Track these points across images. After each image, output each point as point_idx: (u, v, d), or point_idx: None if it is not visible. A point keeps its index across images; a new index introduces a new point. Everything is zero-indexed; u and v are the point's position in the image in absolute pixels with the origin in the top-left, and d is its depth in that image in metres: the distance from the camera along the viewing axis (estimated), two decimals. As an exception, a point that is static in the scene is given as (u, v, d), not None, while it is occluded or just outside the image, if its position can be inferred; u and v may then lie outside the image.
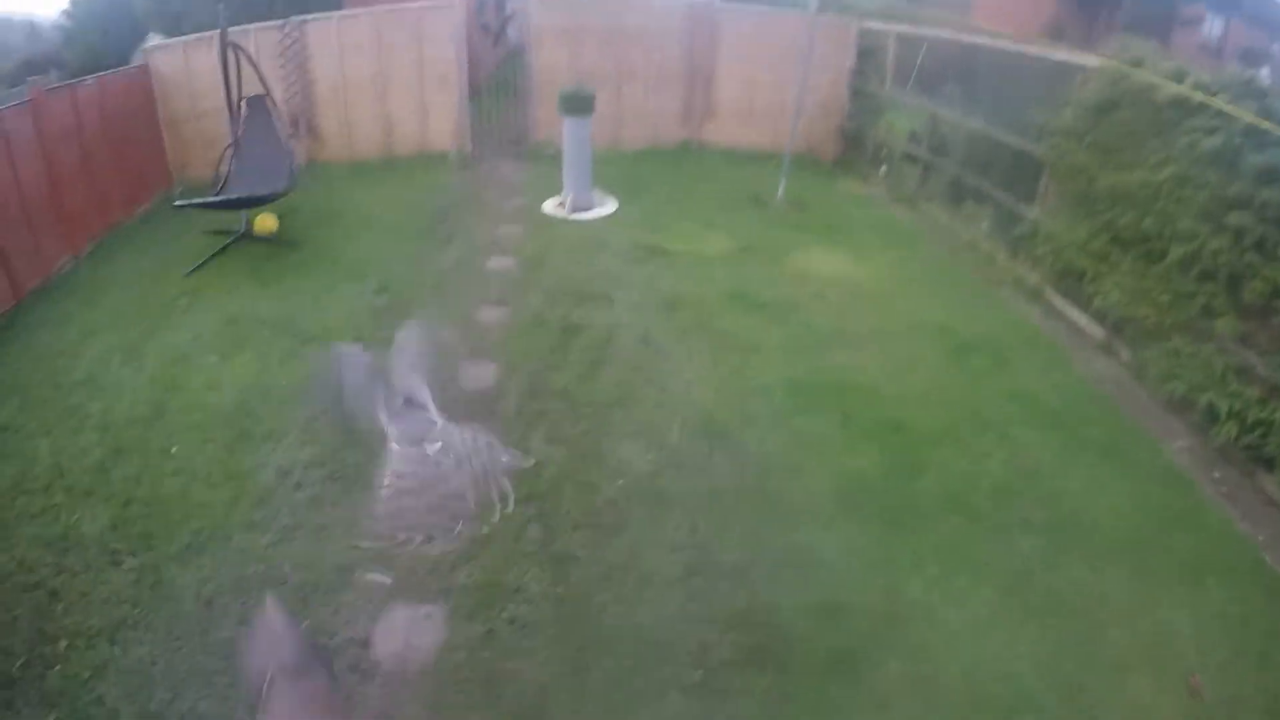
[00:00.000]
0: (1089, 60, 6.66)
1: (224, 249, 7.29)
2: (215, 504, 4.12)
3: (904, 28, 10.17)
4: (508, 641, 3.44)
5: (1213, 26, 23.61)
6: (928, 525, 4.16)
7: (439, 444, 3.96)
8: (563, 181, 8.57)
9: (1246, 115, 5.08)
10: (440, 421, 4.04)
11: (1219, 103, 5.27)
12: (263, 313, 6.08)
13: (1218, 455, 4.92)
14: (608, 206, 8.64)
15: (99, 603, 3.57)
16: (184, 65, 9.10)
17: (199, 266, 6.97)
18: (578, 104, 8.21)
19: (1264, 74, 11.16)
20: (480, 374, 5.31)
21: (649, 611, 3.60)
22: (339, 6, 11.41)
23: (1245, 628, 3.64)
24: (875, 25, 10.60)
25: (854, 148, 10.84)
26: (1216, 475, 4.77)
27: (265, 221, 7.54)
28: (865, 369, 5.56)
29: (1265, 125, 4.93)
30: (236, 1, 11.06)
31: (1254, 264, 4.98)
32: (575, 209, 8.46)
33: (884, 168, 10.10)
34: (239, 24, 8.53)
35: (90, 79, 7.90)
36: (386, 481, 3.89)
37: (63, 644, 3.36)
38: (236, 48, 7.52)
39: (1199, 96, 5.41)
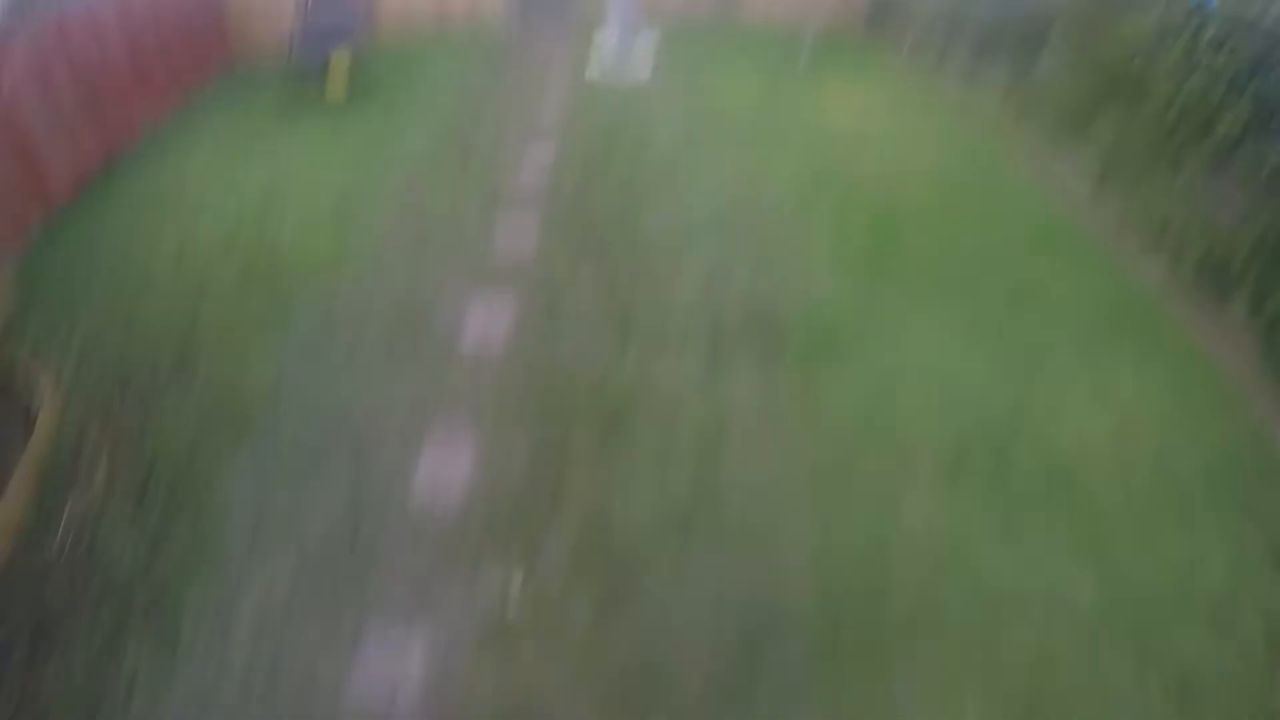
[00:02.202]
0: None
1: (304, 100, 8.04)
2: (328, 256, 5.09)
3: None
4: (567, 320, 4.51)
5: None
6: (899, 275, 4.93)
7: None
8: (605, 40, 9.10)
9: None
10: None
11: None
12: (346, 144, 6.90)
13: (1185, 287, 5.29)
14: (645, 60, 9.15)
15: (236, 322, 4.53)
16: None
17: (286, 114, 7.76)
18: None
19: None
20: (537, 173, 6.18)
21: (677, 299, 4.61)
22: None
23: (1171, 387, 4.21)
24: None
25: (878, 21, 11.00)
26: (1188, 301, 5.09)
27: (337, 74, 8.21)
28: (864, 181, 6.21)
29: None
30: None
31: (1226, 101, 5.40)
32: (616, 60, 9.00)
33: (906, 40, 10.37)
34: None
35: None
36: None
37: (206, 350, 4.33)
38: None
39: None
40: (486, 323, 4.44)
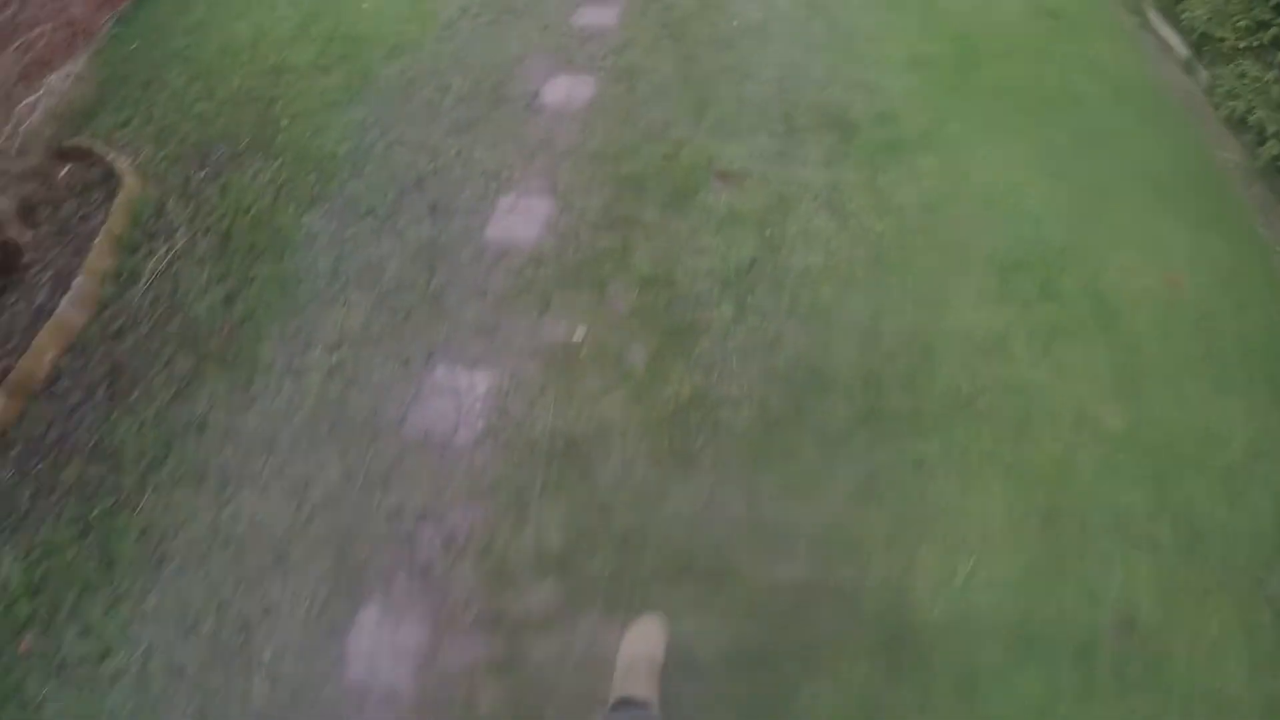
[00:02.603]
0: None
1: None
2: (407, 32, 4.94)
3: None
4: (644, 96, 4.33)
5: None
6: (972, 93, 4.52)
7: None
8: None
9: None
10: None
11: None
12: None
13: (1258, 174, 4.76)
14: None
15: (315, 95, 4.49)
16: None
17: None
18: None
19: None
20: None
21: (752, 89, 4.37)
22: None
23: (1225, 264, 3.78)
24: None
25: None
26: (1253, 189, 4.64)
27: None
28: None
29: None
30: None
31: None
32: None
33: None
34: None
35: None
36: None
37: (284, 122, 4.31)
38: None
39: None
40: (567, 94, 4.33)
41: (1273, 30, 5.09)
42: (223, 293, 3.43)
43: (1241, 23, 5.28)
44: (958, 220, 3.70)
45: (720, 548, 2.48)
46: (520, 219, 3.57)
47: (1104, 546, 2.56)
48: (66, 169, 4.03)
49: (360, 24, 5.13)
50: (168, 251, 3.66)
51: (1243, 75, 5.19)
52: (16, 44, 4.19)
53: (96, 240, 3.60)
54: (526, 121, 4.18)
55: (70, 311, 3.33)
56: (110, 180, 3.95)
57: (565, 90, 4.35)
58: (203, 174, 4.08)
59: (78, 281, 3.40)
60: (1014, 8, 5.55)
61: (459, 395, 2.87)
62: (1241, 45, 5.27)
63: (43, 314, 3.28)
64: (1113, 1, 6.12)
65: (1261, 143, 4.82)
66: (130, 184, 3.92)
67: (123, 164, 4.02)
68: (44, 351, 3.17)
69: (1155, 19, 6.05)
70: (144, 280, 3.52)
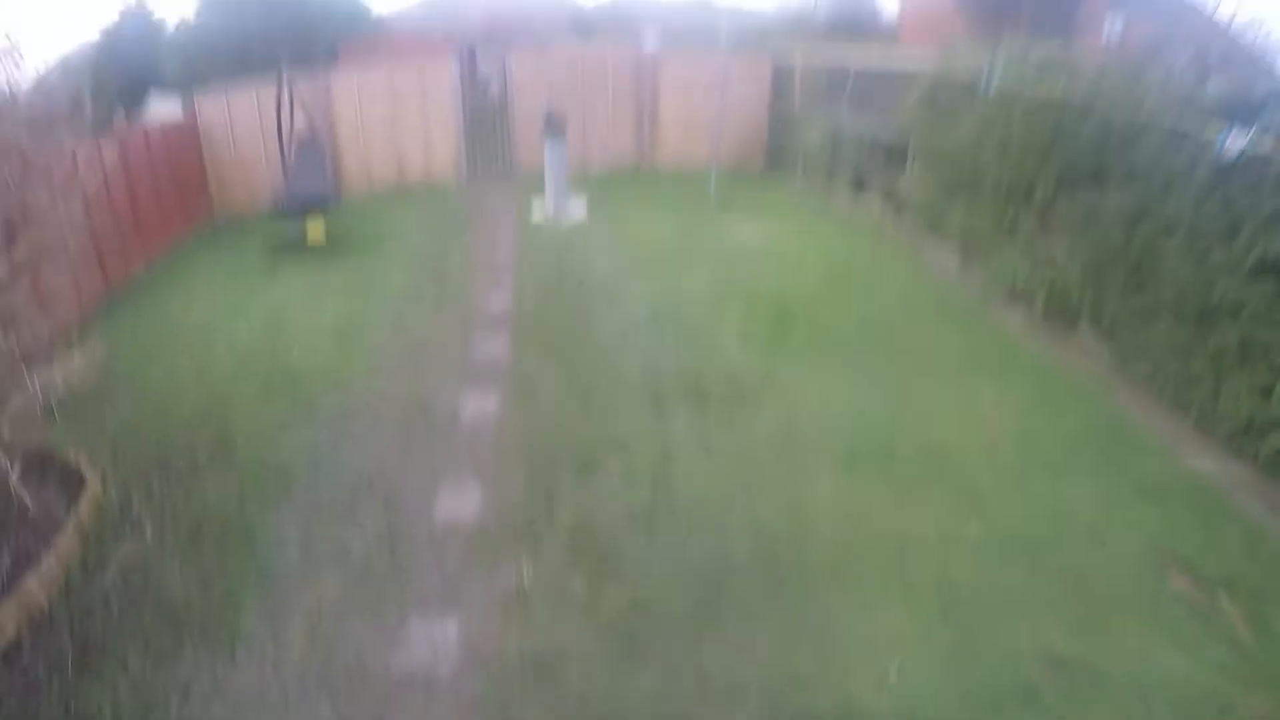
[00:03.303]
0: (926, 66, 8.69)
1: (289, 248, 8.93)
2: (338, 369, 5.86)
3: (804, 58, 12.22)
4: (541, 399, 5.43)
5: (1114, 25, 25.10)
6: (796, 346, 6.10)
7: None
8: (546, 192, 10.33)
9: (1024, 85, 7.04)
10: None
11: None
12: (334, 282, 7.78)
13: (1042, 321, 6.68)
14: (580, 209, 10.42)
15: (264, 419, 5.20)
16: (225, 113, 10.69)
17: (275, 258, 8.62)
18: (556, 126, 10.11)
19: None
20: (502, 300, 7.13)
21: (623, 380, 5.63)
22: (334, 61, 13.23)
23: (1030, 396, 5.44)
24: (783, 58, 12.67)
25: (775, 160, 12.79)
26: (1042, 335, 6.51)
27: (315, 231, 9.18)
28: (766, 281, 7.51)
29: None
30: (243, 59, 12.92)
31: (1036, 178, 6.88)
32: (555, 211, 10.22)
33: (799, 172, 12.07)
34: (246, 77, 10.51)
35: (156, 122, 9.65)
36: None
37: (239, 440, 4.96)
38: (293, 92, 9.32)
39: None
40: (478, 407, 5.28)
41: (1008, 213, 7.00)
42: (198, 576, 3.80)
43: (986, 218, 7.19)
44: (804, 434, 4.94)
45: (684, 714, 3.05)
46: (461, 501, 4.32)
47: (1001, 615, 3.47)
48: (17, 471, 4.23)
49: (295, 363, 5.99)
50: (137, 544, 4.01)
51: (1001, 258, 7.01)
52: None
53: (64, 530, 3.87)
54: (451, 430, 5.06)
55: (35, 589, 3.51)
56: (71, 481, 4.28)
57: (478, 403, 5.33)
58: (164, 482, 4.53)
59: (46, 563, 3.62)
60: (814, 273, 7.48)
61: (434, 640, 3.40)
62: (993, 236, 7.16)
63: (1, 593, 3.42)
64: (890, 242, 8.23)
65: (1030, 302, 6.54)
66: (93, 483, 4.28)
67: (85, 467, 4.38)
68: (4, 625, 3.31)
69: (924, 243, 8.19)
70: (112, 568, 3.83)
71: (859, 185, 10.57)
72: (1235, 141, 4.95)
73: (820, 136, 11.45)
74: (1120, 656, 3.42)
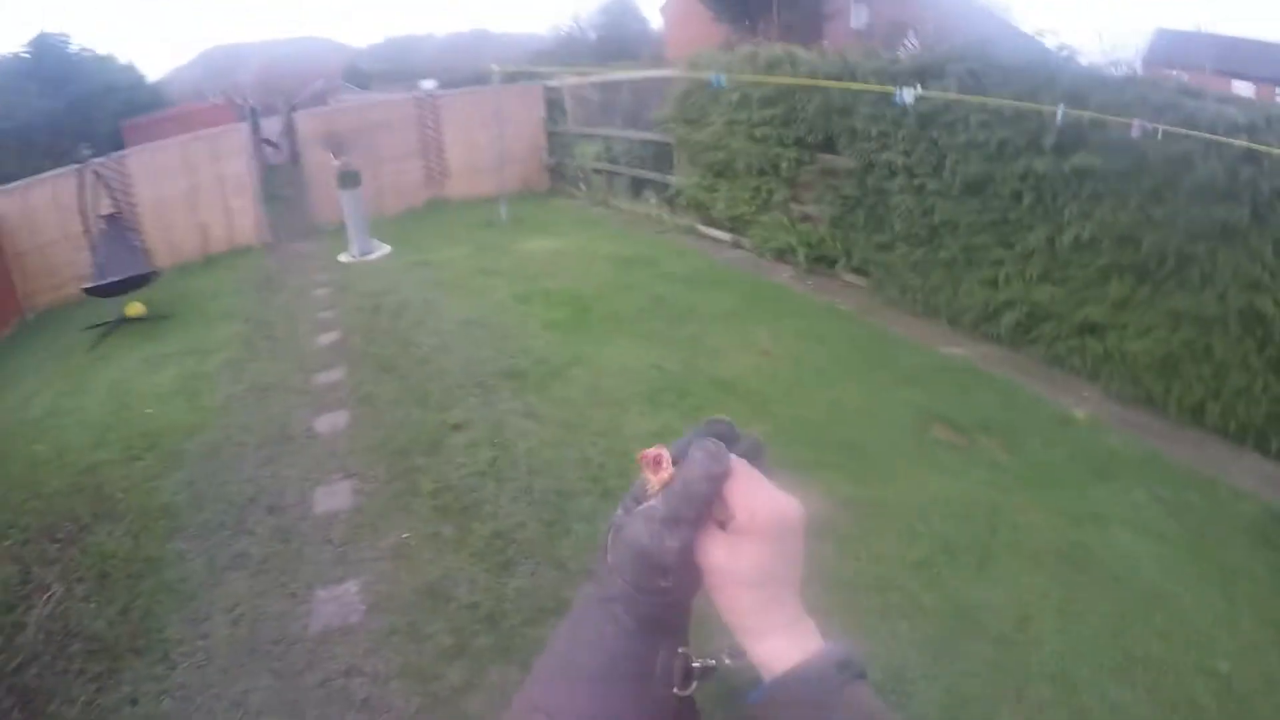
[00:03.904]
0: (677, 71, 9.96)
1: (111, 327, 8.94)
2: (194, 419, 6.22)
3: (571, 80, 13.37)
4: (383, 406, 6.07)
5: (858, 13, 27.40)
6: (594, 328, 7.11)
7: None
8: (348, 239, 10.81)
9: (747, 77, 8.36)
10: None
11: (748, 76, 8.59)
12: (165, 349, 7.95)
13: (808, 273, 8.02)
14: (383, 249, 10.97)
15: (136, 473, 5.54)
16: (23, 204, 10.35)
17: (100, 339, 8.63)
18: (350, 179, 10.60)
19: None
20: (329, 336, 7.69)
21: (452, 377, 6.38)
22: (120, 145, 13.02)
23: (800, 329, 6.69)
24: (552, 82, 13.72)
25: (559, 176, 13.80)
26: (809, 283, 7.86)
27: (135, 307, 9.22)
28: (561, 281, 8.48)
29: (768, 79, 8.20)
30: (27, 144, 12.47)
31: (779, 154, 8.23)
32: (361, 254, 10.73)
33: (581, 184, 13.14)
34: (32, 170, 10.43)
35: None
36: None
37: (118, 495, 5.26)
38: (98, 176, 9.33)
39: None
40: (330, 423, 5.88)
41: (763, 190, 8.29)
42: (116, 609, 4.17)
43: (745, 195, 8.47)
44: (611, 389, 5.91)
45: (554, 596, 3.87)
46: (335, 494, 4.97)
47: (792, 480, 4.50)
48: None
49: (150, 423, 6.30)
50: (47, 600, 4.27)
51: (763, 225, 8.30)
52: None
53: None
54: (311, 445, 5.65)
55: None
56: None
57: (329, 420, 5.93)
58: (56, 546, 4.79)
59: None
60: (603, 268, 8.61)
61: (339, 600, 4.07)
62: (753, 210, 8.44)
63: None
64: (670, 232, 9.26)
65: (795, 257, 7.79)
66: None
67: None
68: None
69: (699, 227, 9.39)
70: (30, 628, 4.06)
71: (637, 189, 11.76)
72: (907, 95, 6.38)
73: (597, 149, 12.53)
74: (896, 491, 4.51)
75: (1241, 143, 4.77)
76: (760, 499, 0.71)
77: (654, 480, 0.72)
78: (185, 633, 3.97)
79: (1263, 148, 4.71)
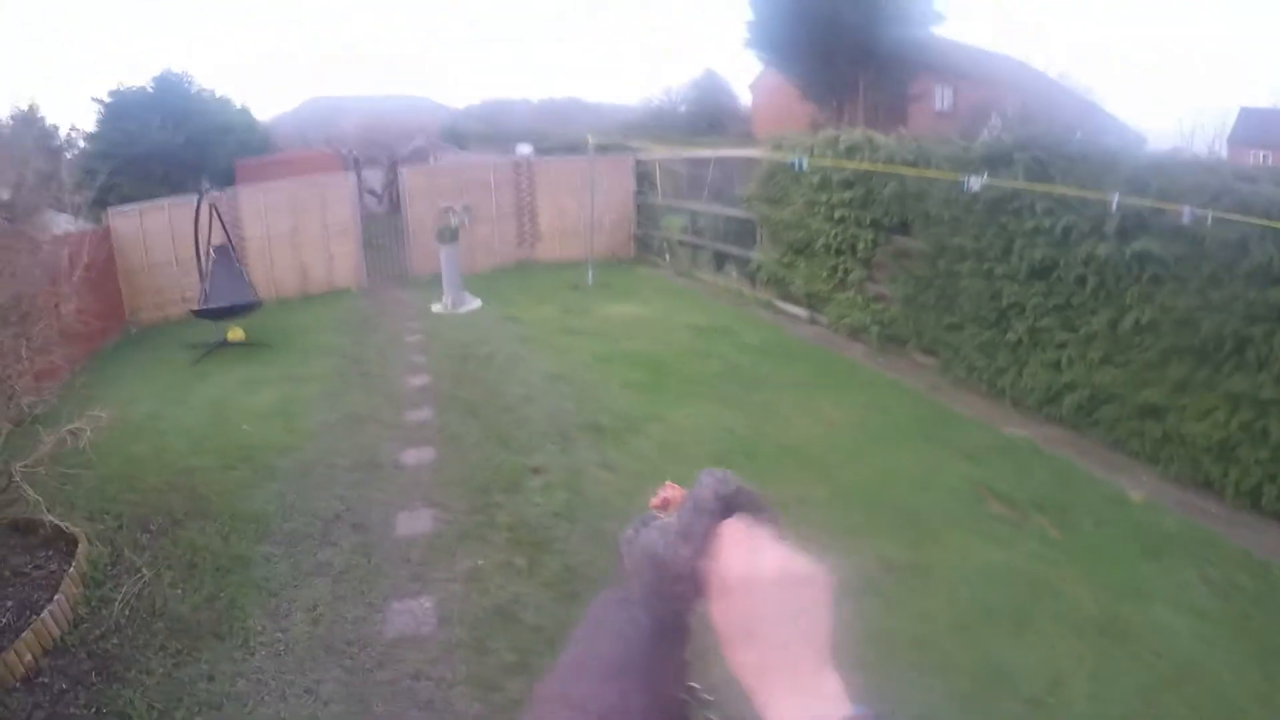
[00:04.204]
0: (761, 152, 10.40)
1: (213, 348, 9.53)
2: (287, 440, 6.58)
3: (661, 153, 14.04)
4: (467, 447, 6.33)
5: (943, 95, 28.06)
6: (671, 390, 7.37)
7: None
8: (443, 290, 11.37)
9: (826, 161, 8.72)
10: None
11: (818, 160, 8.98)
12: (263, 374, 8.47)
13: (879, 351, 8.22)
14: (475, 303, 11.49)
15: (230, 481, 5.88)
16: (139, 226, 11.25)
17: (201, 357, 9.22)
18: (449, 235, 11.23)
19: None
20: (420, 379, 8.10)
21: (534, 426, 6.64)
22: (233, 182, 14.08)
23: (866, 402, 6.87)
24: (642, 155, 14.37)
25: (644, 246, 14.32)
26: (880, 360, 8.06)
27: (236, 332, 9.84)
28: (641, 345, 8.84)
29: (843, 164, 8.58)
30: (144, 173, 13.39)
31: (856, 234, 8.52)
32: (454, 305, 11.25)
33: (666, 255, 13.59)
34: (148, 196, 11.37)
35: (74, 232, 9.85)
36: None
37: (212, 498, 5.60)
38: (214, 207, 10.09)
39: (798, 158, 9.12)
40: (416, 457, 6.18)
41: (840, 269, 8.47)
42: (202, 596, 4.43)
43: (823, 274, 8.66)
44: (682, 447, 6.12)
45: None
46: (417, 520, 5.22)
47: (846, 541, 4.45)
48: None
49: (245, 440, 6.68)
50: (136, 582, 4.52)
51: (839, 303, 8.47)
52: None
53: (65, 579, 4.24)
54: (397, 475, 5.94)
55: (49, 623, 3.90)
56: (59, 543, 4.67)
57: (415, 454, 6.22)
58: (148, 536, 5.10)
59: (53, 605, 4.00)
60: (682, 335, 8.93)
61: (413, 612, 4.27)
62: (829, 288, 8.61)
63: (8, 633, 3.80)
64: (749, 305, 9.66)
65: (867, 336, 8.02)
66: (83, 541, 4.66)
67: (73, 529, 4.72)
68: (21, 654, 3.67)
69: (777, 302, 9.57)
70: (118, 604, 4.30)
71: (719, 262, 12.14)
72: (974, 183, 6.63)
73: (682, 221, 13.01)
74: (945, 558, 4.59)
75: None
76: (746, 552, 0.70)
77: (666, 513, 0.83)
78: (266, 625, 4.20)
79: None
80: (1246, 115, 27.37)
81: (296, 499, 5.54)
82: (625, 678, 0.79)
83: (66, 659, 3.87)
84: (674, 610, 0.79)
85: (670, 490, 0.88)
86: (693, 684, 0.79)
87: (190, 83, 20.64)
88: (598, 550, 4.74)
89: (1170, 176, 5.72)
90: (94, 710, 3.56)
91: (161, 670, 3.83)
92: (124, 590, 4.45)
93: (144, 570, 4.65)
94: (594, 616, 0.86)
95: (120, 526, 5.18)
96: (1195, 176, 5.61)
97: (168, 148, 17.80)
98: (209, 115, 20.18)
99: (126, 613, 4.26)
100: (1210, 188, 5.40)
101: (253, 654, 3.97)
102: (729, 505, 0.75)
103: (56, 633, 3.96)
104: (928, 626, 4.08)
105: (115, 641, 4.02)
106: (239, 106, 22.35)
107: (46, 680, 3.71)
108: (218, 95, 21.52)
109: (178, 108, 19.37)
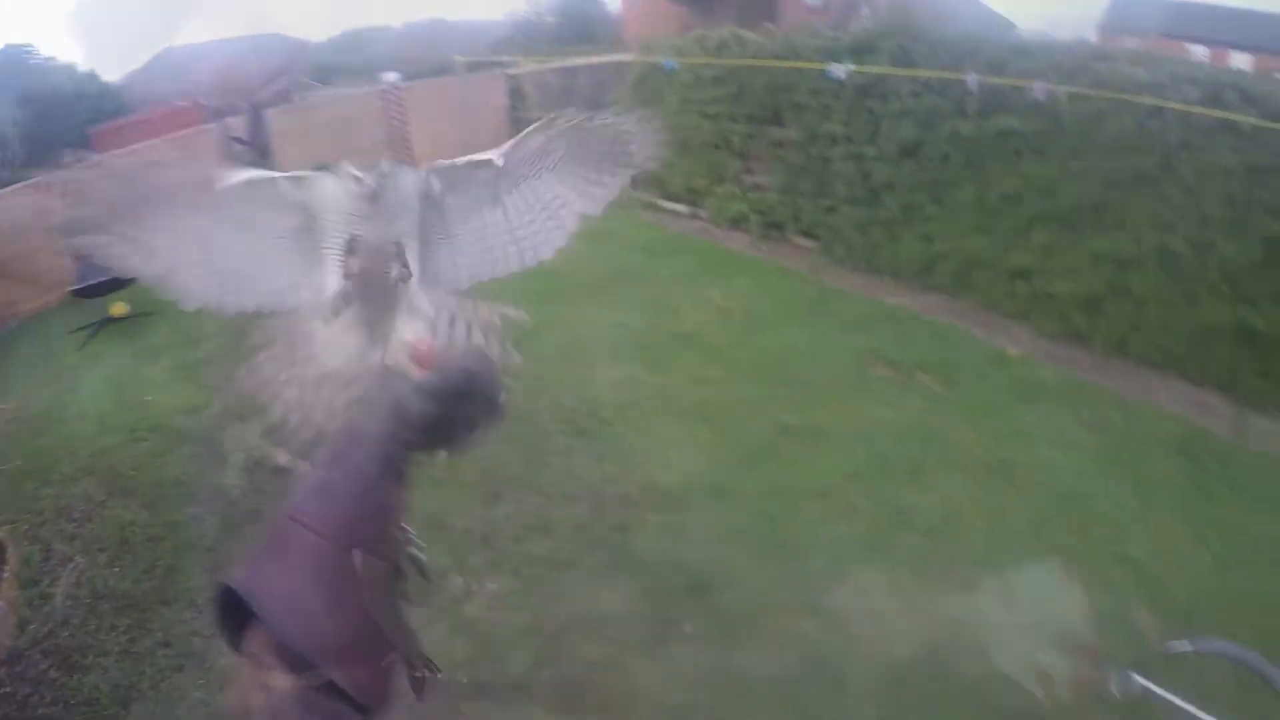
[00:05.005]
0: (632, 55, 10.60)
1: (98, 328, 9.16)
2: (195, 402, 6.58)
3: (531, 67, 13.92)
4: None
5: None
6: (563, 296, 7.28)
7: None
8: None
9: (696, 60, 8.82)
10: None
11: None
12: (157, 342, 8.31)
13: (761, 239, 8.55)
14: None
15: (143, 454, 5.89)
16: (4, 214, 10.14)
17: (89, 339, 8.91)
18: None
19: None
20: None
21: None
22: (92, 150, 13.06)
23: (752, 287, 7.22)
24: (513, 71, 14.13)
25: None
26: (762, 248, 8.40)
27: (119, 307, 9.42)
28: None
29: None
30: None
31: (730, 129, 8.71)
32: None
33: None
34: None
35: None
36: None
37: (131, 473, 5.58)
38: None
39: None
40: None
41: (721, 163, 8.83)
42: (140, 569, 4.52)
43: (702, 168, 9.08)
44: (577, 345, 6.44)
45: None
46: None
47: (744, 413, 5.11)
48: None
49: (151, 410, 6.61)
50: (73, 571, 4.54)
51: (717, 196, 8.96)
52: None
53: (2, 581, 4.21)
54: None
55: None
56: None
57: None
58: (74, 524, 5.06)
59: None
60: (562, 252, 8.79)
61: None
62: (709, 182, 8.98)
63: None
64: (631, 207, 10.04)
65: (750, 225, 8.57)
66: (9, 542, 4.63)
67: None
68: None
69: (658, 201, 10.23)
70: (58, 597, 4.32)
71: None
72: (839, 71, 6.90)
73: (558, 130, 12.86)
74: (839, 419, 5.02)
75: (1147, 100, 5.31)
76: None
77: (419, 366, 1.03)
78: (208, 581, 4.26)
79: (1166, 104, 5.25)
80: (1117, 3, 27.89)
81: (212, 455, 5.56)
82: (357, 504, 1.02)
83: (22, 664, 3.89)
84: (402, 456, 0.99)
85: (426, 346, 1.06)
86: (404, 525, 1.01)
87: (32, 54, 19.03)
88: (511, 451, 4.98)
89: (1028, 57, 6.08)
90: (61, 705, 3.62)
91: (117, 649, 3.93)
92: (62, 582, 4.48)
93: (77, 558, 4.67)
94: (335, 450, 1.05)
95: (44, 521, 5.11)
96: (1052, 57, 5.99)
97: (22, 126, 16.52)
98: (58, 86, 18.71)
99: (69, 603, 4.31)
100: (1065, 67, 5.79)
101: (201, 611, 4.06)
102: (470, 381, 0.94)
103: (7, 641, 3.98)
104: (828, 480, 4.54)
105: (66, 634, 4.07)
106: (86, 70, 20.70)
107: (9, 690, 3.72)
108: (64, 62, 19.91)
109: (24, 82, 17.91)
